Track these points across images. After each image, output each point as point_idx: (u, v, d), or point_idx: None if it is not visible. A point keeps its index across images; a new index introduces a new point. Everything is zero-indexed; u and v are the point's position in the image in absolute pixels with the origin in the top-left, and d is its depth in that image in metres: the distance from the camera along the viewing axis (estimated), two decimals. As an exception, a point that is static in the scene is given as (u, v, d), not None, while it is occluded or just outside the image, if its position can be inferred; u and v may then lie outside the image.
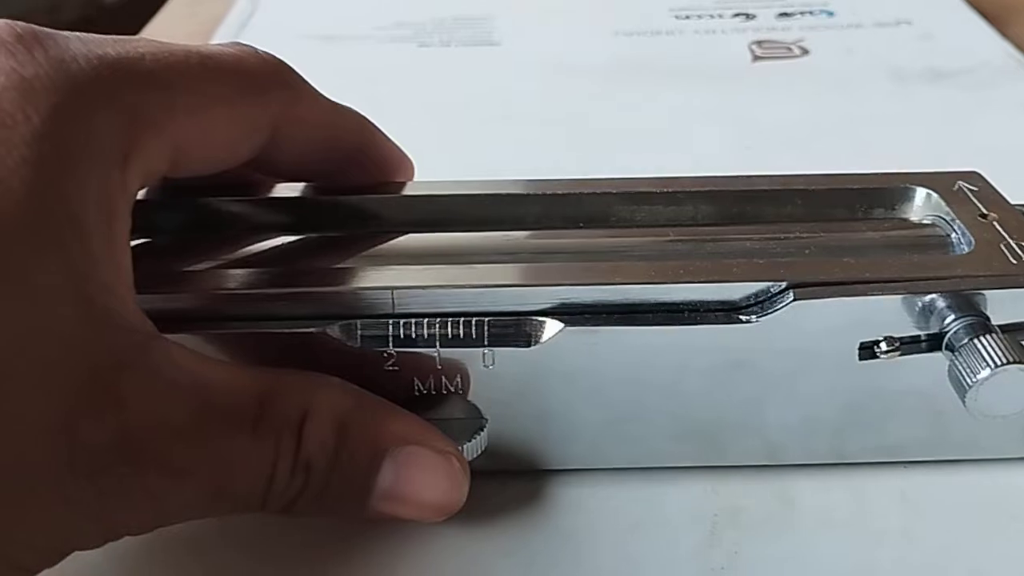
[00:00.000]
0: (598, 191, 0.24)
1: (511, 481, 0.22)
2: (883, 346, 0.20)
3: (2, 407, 0.15)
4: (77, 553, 0.17)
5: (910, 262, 0.21)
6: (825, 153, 0.36)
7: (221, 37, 0.45)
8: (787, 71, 0.44)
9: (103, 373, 0.17)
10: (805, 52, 0.45)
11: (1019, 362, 0.19)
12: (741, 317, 0.20)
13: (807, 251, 0.22)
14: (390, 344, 0.20)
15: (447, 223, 0.24)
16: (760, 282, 0.20)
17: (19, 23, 0.18)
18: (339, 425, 0.19)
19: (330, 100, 0.23)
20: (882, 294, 0.20)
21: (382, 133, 0.25)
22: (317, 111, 0.22)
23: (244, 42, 0.22)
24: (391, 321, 0.20)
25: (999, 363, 0.19)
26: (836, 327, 0.20)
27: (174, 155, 0.19)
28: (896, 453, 0.23)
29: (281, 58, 0.22)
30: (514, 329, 0.21)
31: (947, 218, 0.23)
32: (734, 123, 0.39)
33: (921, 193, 0.23)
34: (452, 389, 0.21)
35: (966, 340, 0.20)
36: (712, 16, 0.49)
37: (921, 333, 0.21)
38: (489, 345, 0.21)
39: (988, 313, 0.20)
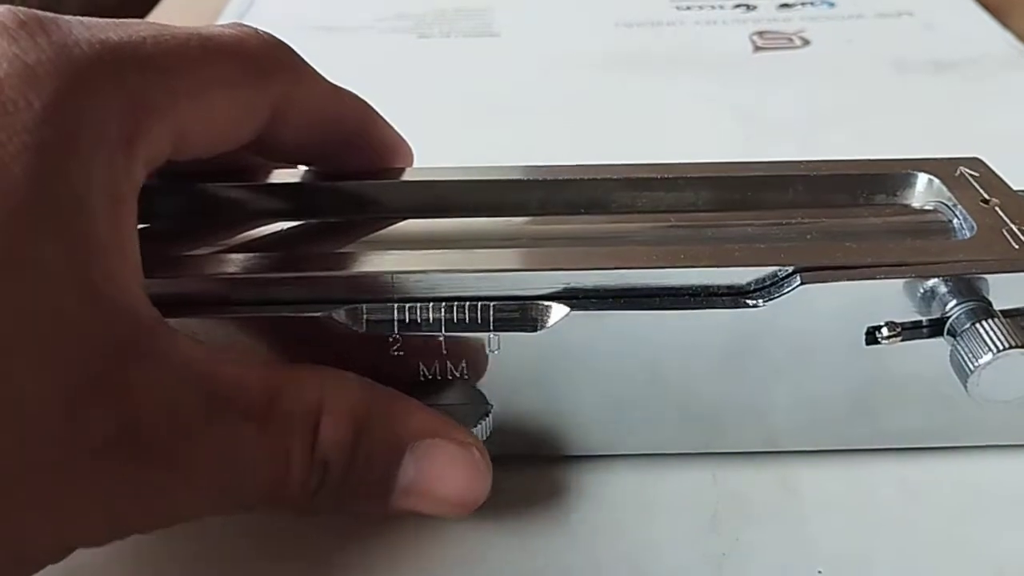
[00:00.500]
0: (599, 177, 0.23)
1: (514, 466, 0.22)
2: (885, 331, 0.20)
3: (3, 395, 0.15)
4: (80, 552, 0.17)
5: (912, 247, 0.21)
6: (826, 143, 0.36)
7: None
8: (788, 62, 0.44)
9: (107, 361, 0.16)
10: (806, 43, 0.45)
11: (1021, 346, 0.19)
12: (748, 301, 0.20)
13: (809, 236, 0.22)
14: (395, 329, 0.20)
15: (448, 209, 0.23)
16: (767, 266, 0.20)
17: (21, 8, 0.18)
18: (356, 421, 0.19)
19: (331, 83, 0.23)
20: (886, 278, 0.20)
21: (382, 118, 0.24)
22: (318, 93, 0.22)
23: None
24: (396, 306, 0.20)
25: (1001, 347, 0.19)
26: (843, 311, 0.20)
27: (178, 139, 0.19)
28: (897, 439, 0.23)
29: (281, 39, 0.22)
30: (520, 313, 0.20)
31: (949, 203, 0.22)
32: (735, 114, 0.39)
33: (923, 179, 0.23)
34: (457, 374, 0.21)
35: (968, 325, 0.20)
36: (713, 7, 0.49)
37: (923, 318, 0.21)
38: (495, 330, 0.20)
39: (990, 298, 0.20)
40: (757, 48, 0.45)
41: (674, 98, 0.41)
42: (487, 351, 0.21)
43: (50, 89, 0.17)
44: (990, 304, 0.20)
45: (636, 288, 0.20)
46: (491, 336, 0.21)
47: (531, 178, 0.24)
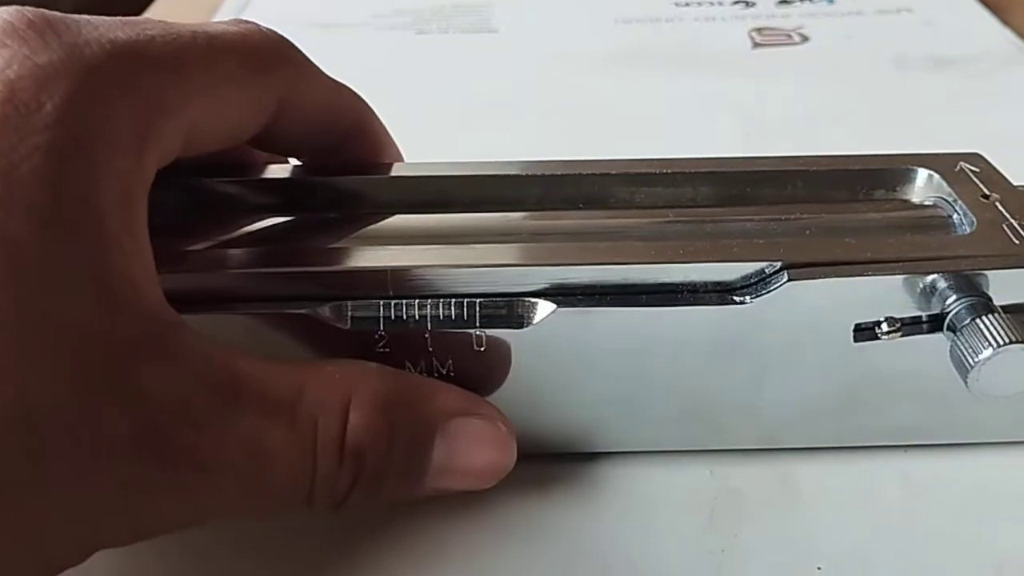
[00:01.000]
0: (597, 172, 0.23)
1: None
2: (884, 327, 0.20)
3: (18, 397, 0.15)
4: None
5: (912, 242, 0.21)
6: (825, 140, 0.36)
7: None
8: (787, 58, 0.44)
9: (123, 360, 0.16)
10: (805, 39, 0.45)
11: (1021, 342, 0.19)
12: (735, 298, 0.20)
13: (808, 232, 0.22)
14: (381, 325, 0.20)
15: (446, 204, 0.23)
16: (755, 262, 0.20)
17: (29, 8, 0.18)
18: (386, 409, 0.19)
19: (330, 78, 0.23)
20: (880, 274, 0.20)
21: (376, 115, 0.24)
22: (319, 88, 0.22)
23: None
24: (382, 302, 0.20)
25: (1001, 343, 0.19)
26: (832, 308, 0.20)
27: (187, 136, 0.19)
28: (895, 436, 0.23)
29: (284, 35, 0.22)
30: (506, 310, 0.20)
31: (949, 199, 0.22)
32: (734, 111, 0.39)
33: (923, 174, 0.23)
34: (444, 371, 0.21)
35: (968, 320, 0.20)
36: (712, 3, 0.49)
37: (922, 314, 0.20)
38: (480, 326, 0.20)
39: (990, 293, 0.20)
40: (756, 44, 0.45)
41: (673, 95, 0.40)
42: (473, 348, 0.21)
43: (61, 90, 0.17)
44: (990, 299, 0.20)
45: (623, 284, 0.20)
46: (477, 333, 0.20)
47: (529, 173, 0.24)
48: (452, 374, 0.21)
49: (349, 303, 0.20)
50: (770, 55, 0.44)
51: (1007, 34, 0.45)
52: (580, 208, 0.23)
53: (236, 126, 0.21)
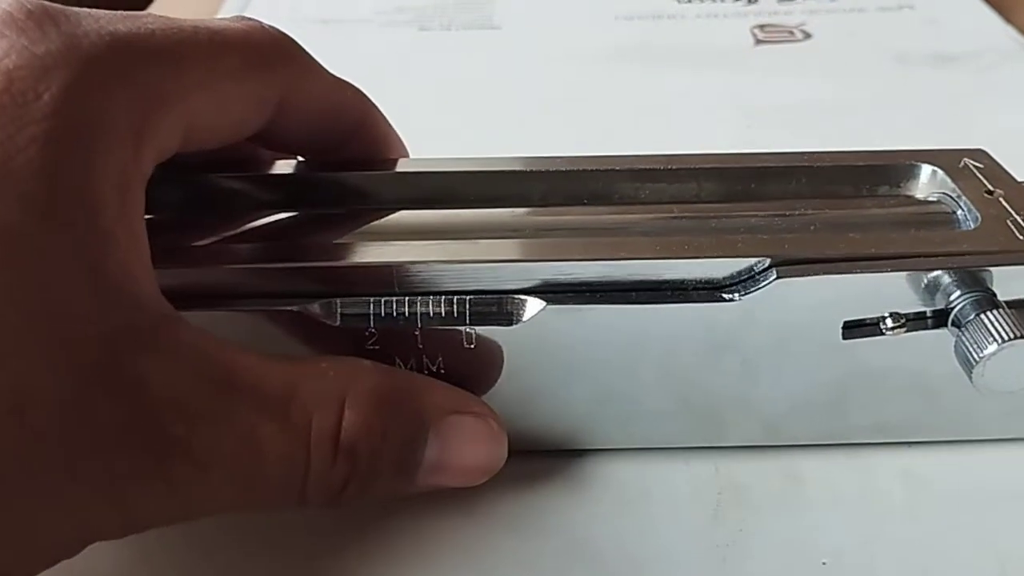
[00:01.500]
0: (602, 168, 0.23)
1: (514, 459, 0.22)
2: (889, 322, 0.20)
3: (10, 388, 0.15)
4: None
5: (916, 238, 0.21)
6: (828, 137, 0.36)
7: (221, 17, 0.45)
8: (790, 55, 0.44)
9: (117, 353, 0.16)
10: (808, 36, 0.45)
11: (1026, 337, 0.19)
12: (724, 295, 0.20)
13: (812, 228, 0.22)
14: (371, 323, 0.20)
15: (450, 200, 0.23)
16: (743, 259, 0.20)
17: (29, 0, 0.17)
18: (380, 406, 0.19)
19: (334, 75, 0.23)
20: (875, 271, 0.20)
21: (380, 111, 0.24)
22: (322, 85, 0.22)
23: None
24: (372, 299, 0.20)
25: (1006, 338, 0.19)
26: (821, 305, 0.20)
27: (186, 131, 0.19)
28: (893, 433, 0.23)
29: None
30: (496, 308, 0.20)
31: (953, 195, 0.22)
32: (736, 107, 0.39)
33: (927, 170, 0.23)
34: (434, 368, 0.21)
35: (973, 316, 0.20)
36: (714, 0, 0.49)
37: (927, 309, 0.20)
38: (471, 324, 0.20)
39: (994, 289, 0.20)
40: (758, 41, 0.45)
41: (675, 91, 0.40)
42: (464, 345, 0.21)
43: (59, 80, 0.16)
44: (994, 295, 0.20)
45: (612, 282, 0.20)
46: (467, 330, 0.20)
47: (533, 169, 0.24)
48: (443, 371, 0.21)
49: (339, 300, 0.20)
50: (772, 52, 0.44)
51: (1009, 31, 0.45)
52: (584, 204, 0.23)
53: (237, 122, 0.21)
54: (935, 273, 0.20)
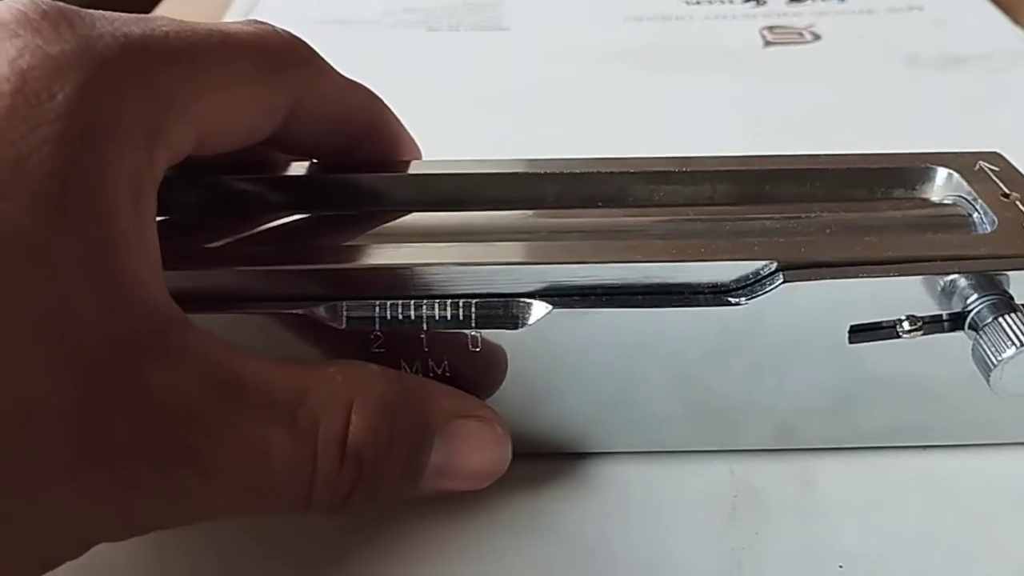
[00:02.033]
0: (616, 170, 0.23)
1: (530, 460, 0.22)
2: (906, 325, 0.20)
3: (14, 390, 0.15)
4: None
5: (932, 241, 0.21)
6: (838, 139, 0.36)
7: (230, 19, 0.45)
8: (799, 57, 0.43)
9: (125, 359, 0.16)
10: (817, 38, 0.45)
11: (1044, 341, 0.19)
12: (730, 299, 0.20)
13: (828, 230, 0.22)
14: (377, 325, 0.20)
15: (463, 202, 0.23)
16: (749, 263, 0.20)
17: (43, 0, 0.17)
18: (387, 411, 0.19)
19: (346, 77, 0.23)
20: (888, 275, 0.20)
21: (392, 113, 0.24)
22: (334, 88, 0.22)
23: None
24: (377, 303, 0.20)
25: (1024, 342, 0.19)
26: (828, 309, 0.20)
27: (199, 134, 0.19)
28: (906, 438, 0.23)
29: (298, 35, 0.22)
30: (501, 311, 0.20)
31: (969, 198, 0.22)
32: (745, 109, 0.39)
33: (942, 173, 0.23)
34: (440, 371, 0.21)
35: (990, 319, 0.19)
36: (723, 1, 0.49)
37: (943, 312, 0.20)
38: (476, 327, 0.20)
39: (1011, 292, 0.20)
40: (767, 43, 0.45)
41: (683, 93, 0.40)
42: (469, 348, 0.21)
43: (73, 81, 0.16)
44: (1011, 298, 0.20)
45: (617, 285, 0.20)
46: (473, 334, 0.20)
47: (547, 171, 0.23)
48: (448, 374, 0.21)
49: (344, 303, 0.20)
50: (781, 53, 0.44)
51: (1018, 32, 0.44)
52: (598, 206, 0.23)
53: (250, 125, 0.21)
54: (952, 276, 0.20)
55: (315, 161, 0.24)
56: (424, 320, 0.20)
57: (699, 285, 0.20)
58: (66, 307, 0.16)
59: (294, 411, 0.18)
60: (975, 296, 0.20)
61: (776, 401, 0.22)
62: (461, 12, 0.48)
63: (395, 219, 0.23)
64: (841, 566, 0.20)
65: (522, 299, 0.20)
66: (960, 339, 0.20)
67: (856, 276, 0.20)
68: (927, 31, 0.45)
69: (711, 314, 0.20)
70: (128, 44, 0.18)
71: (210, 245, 0.22)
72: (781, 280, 0.20)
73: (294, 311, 0.20)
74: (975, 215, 0.22)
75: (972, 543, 0.21)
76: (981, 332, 0.20)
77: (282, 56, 0.21)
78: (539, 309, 0.20)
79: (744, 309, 0.20)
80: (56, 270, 0.16)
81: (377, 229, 0.23)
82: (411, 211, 0.23)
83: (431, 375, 0.21)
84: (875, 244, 0.21)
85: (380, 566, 0.21)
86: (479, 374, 0.21)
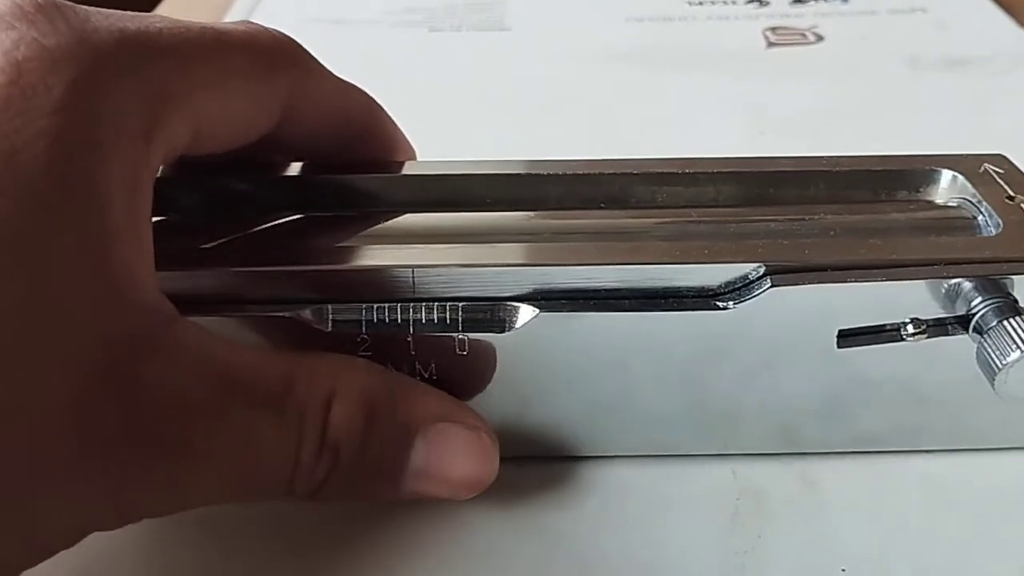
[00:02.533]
0: (619, 171, 0.23)
1: (532, 463, 0.22)
2: (910, 328, 0.20)
3: (13, 387, 0.15)
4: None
5: (937, 244, 0.21)
6: (840, 140, 0.36)
7: (231, 20, 0.45)
8: (801, 58, 0.43)
9: (119, 355, 0.16)
10: (819, 39, 0.45)
11: (1050, 344, 0.19)
12: (718, 303, 0.20)
13: (832, 233, 0.22)
14: (363, 328, 0.20)
15: (463, 203, 0.23)
16: (737, 266, 0.20)
17: None
18: (367, 406, 0.19)
19: (339, 78, 0.23)
20: (858, 281, 0.20)
21: (387, 113, 0.24)
22: (327, 88, 0.22)
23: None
24: (364, 306, 0.20)
25: (1030, 346, 0.19)
26: (816, 313, 0.20)
27: (195, 131, 0.19)
28: (906, 442, 0.23)
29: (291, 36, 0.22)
30: (488, 314, 0.20)
31: (973, 200, 0.22)
32: (748, 110, 0.39)
33: (946, 175, 0.23)
34: (427, 375, 0.21)
35: (995, 322, 0.19)
36: (725, 2, 0.49)
37: (947, 316, 0.20)
38: (463, 331, 0.20)
39: (1016, 295, 0.20)
40: (770, 44, 0.45)
41: (686, 94, 0.40)
42: (456, 352, 0.20)
43: (69, 74, 0.16)
44: (1016, 301, 0.20)
45: (604, 289, 0.20)
46: (460, 337, 0.20)
47: (549, 172, 0.23)
48: (435, 377, 0.21)
49: (330, 307, 0.20)
50: (784, 54, 0.44)
51: (1021, 34, 0.44)
52: (600, 208, 0.23)
53: (245, 123, 0.21)
54: (956, 279, 0.20)
55: (309, 163, 0.24)
56: (411, 323, 0.20)
57: (687, 289, 0.20)
58: (62, 305, 0.16)
59: (282, 400, 0.18)
60: (979, 299, 0.20)
61: (767, 405, 0.21)
62: (463, 12, 0.48)
63: (392, 220, 0.23)
64: (844, 569, 0.20)
65: (509, 303, 0.20)
66: (962, 342, 0.20)
67: (845, 280, 0.20)
68: (930, 33, 0.45)
69: (698, 318, 0.20)
70: (123, 38, 0.18)
71: (204, 246, 0.22)
72: (769, 284, 0.20)
73: (281, 314, 0.20)
74: (980, 217, 0.22)
75: (974, 545, 0.21)
76: (985, 336, 0.19)
77: (275, 54, 0.21)
78: (526, 313, 0.20)
79: (731, 313, 0.20)
80: (52, 268, 0.16)
81: (372, 230, 0.22)
82: (409, 212, 0.23)
83: (418, 378, 0.21)
84: (879, 247, 0.20)
85: (377, 569, 0.21)
86: (466, 378, 0.21)
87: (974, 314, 0.20)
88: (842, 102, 0.39)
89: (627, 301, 0.20)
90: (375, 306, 0.20)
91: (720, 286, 0.20)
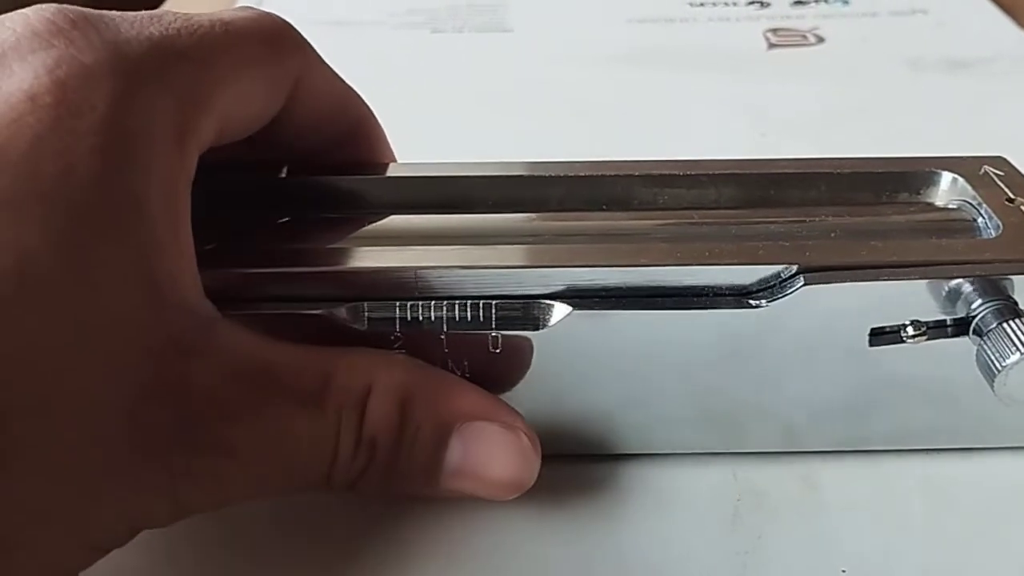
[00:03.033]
0: (621, 173, 0.23)
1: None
2: (910, 330, 0.20)
3: (73, 396, 0.16)
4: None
5: (937, 246, 0.21)
6: (841, 142, 0.36)
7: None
8: (802, 59, 0.43)
9: (168, 361, 0.17)
10: (820, 40, 0.45)
11: (1049, 346, 0.19)
12: (751, 302, 0.20)
13: (832, 235, 0.22)
14: (397, 326, 0.20)
15: (468, 204, 0.23)
16: (771, 266, 0.20)
17: (68, 7, 0.18)
18: (403, 401, 0.19)
19: (335, 72, 0.23)
20: (901, 279, 0.20)
21: (375, 115, 0.25)
22: (327, 76, 0.23)
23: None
24: (398, 303, 0.20)
25: (1029, 348, 0.19)
26: (848, 312, 0.20)
27: (219, 129, 0.19)
28: (915, 441, 0.23)
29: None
30: (522, 312, 0.20)
31: (973, 202, 0.22)
32: (749, 111, 0.39)
33: (947, 177, 0.23)
34: (460, 372, 0.21)
35: (994, 325, 0.19)
36: (726, 3, 0.49)
37: (948, 317, 0.20)
38: (496, 328, 0.20)
39: (1016, 297, 0.20)
40: (771, 45, 0.45)
41: (687, 95, 0.40)
42: (489, 349, 0.21)
43: (108, 90, 0.17)
44: (1016, 303, 0.20)
45: (638, 287, 0.20)
46: (493, 335, 0.20)
47: (551, 174, 0.23)
48: (468, 375, 0.21)
49: (366, 304, 0.20)
50: (785, 56, 0.44)
51: (1022, 36, 0.44)
52: (603, 209, 0.23)
53: (261, 108, 0.21)
54: (956, 281, 0.20)
55: (300, 165, 0.24)
56: (444, 321, 0.20)
57: (720, 287, 0.20)
58: (113, 316, 0.16)
59: (320, 397, 0.18)
60: (980, 301, 0.20)
61: (791, 404, 0.22)
62: (465, 14, 0.48)
63: (400, 221, 0.23)
64: (844, 570, 0.20)
65: (543, 300, 0.20)
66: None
67: (876, 279, 0.20)
68: (931, 34, 0.45)
69: (732, 316, 0.20)
70: (152, 47, 0.18)
71: (207, 247, 0.22)
72: (802, 283, 0.20)
73: (315, 311, 0.20)
74: (980, 220, 0.22)
75: (976, 546, 0.21)
76: (985, 338, 0.20)
77: (280, 38, 0.21)
78: (560, 311, 0.20)
79: (764, 311, 0.20)
80: (102, 282, 0.16)
81: (384, 231, 0.23)
82: (416, 213, 0.23)
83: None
84: (880, 248, 0.21)
85: (377, 568, 0.21)
86: (498, 376, 0.21)
87: (974, 316, 0.20)
88: (843, 103, 0.39)
89: (660, 299, 0.20)
90: (408, 304, 0.20)
91: (753, 284, 0.20)
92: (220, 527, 0.21)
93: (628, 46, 0.45)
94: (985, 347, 0.20)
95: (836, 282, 0.20)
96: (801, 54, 0.44)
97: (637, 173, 0.23)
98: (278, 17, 0.21)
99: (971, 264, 0.20)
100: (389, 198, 0.23)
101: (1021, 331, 0.19)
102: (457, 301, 0.20)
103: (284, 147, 0.24)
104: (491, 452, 0.20)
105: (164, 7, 0.49)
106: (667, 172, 0.23)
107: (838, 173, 0.23)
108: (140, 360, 0.16)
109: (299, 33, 0.22)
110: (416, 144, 0.26)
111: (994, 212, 0.22)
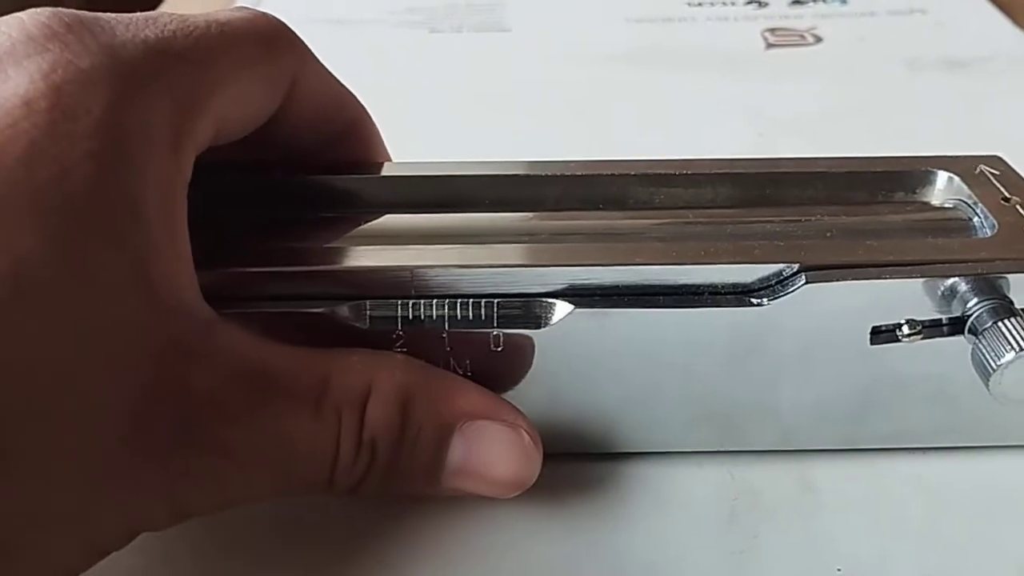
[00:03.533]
0: (617, 172, 0.23)
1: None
2: (905, 329, 0.20)
3: (72, 400, 0.16)
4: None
5: (933, 245, 0.21)
6: (839, 141, 0.36)
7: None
8: (800, 59, 0.44)
9: (168, 364, 0.17)
10: (818, 40, 0.45)
11: (1044, 345, 0.19)
12: (752, 300, 0.20)
13: (828, 234, 0.22)
14: (399, 325, 0.20)
15: (465, 203, 0.23)
16: (772, 264, 0.20)
17: (63, 11, 0.18)
18: (403, 401, 0.19)
19: (330, 71, 0.23)
20: (898, 277, 0.20)
21: (369, 112, 0.25)
22: (322, 75, 0.23)
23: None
24: (400, 302, 0.20)
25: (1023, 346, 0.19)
26: (849, 310, 0.20)
27: (216, 130, 0.19)
28: (913, 439, 0.23)
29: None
30: (523, 311, 0.20)
31: (969, 201, 0.22)
32: (747, 111, 0.39)
33: (943, 176, 0.23)
34: (462, 371, 0.21)
35: (989, 324, 0.20)
36: (725, 3, 0.49)
37: (943, 316, 0.20)
38: (498, 327, 0.20)
39: (1011, 296, 0.20)
40: (769, 45, 0.45)
41: (685, 95, 0.40)
42: (491, 348, 0.21)
43: (104, 94, 0.17)
44: (1011, 303, 0.20)
45: (640, 286, 0.20)
46: (495, 333, 0.20)
47: (547, 173, 0.24)
48: (470, 374, 0.21)
49: (368, 302, 0.20)
50: (783, 55, 0.44)
51: (1019, 35, 0.45)
52: (599, 209, 0.23)
53: (257, 109, 0.21)
54: (951, 280, 0.20)
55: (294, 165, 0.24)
56: (446, 320, 0.20)
57: (721, 286, 0.20)
58: (111, 319, 0.16)
59: (318, 400, 0.18)
60: (975, 300, 0.20)
61: (790, 402, 0.22)
62: (463, 13, 0.48)
63: (398, 221, 0.23)
64: (839, 569, 0.20)
65: (544, 299, 0.20)
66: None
67: (878, 278, 0.20)
68: (928, 34, 0.45)
69: (734, 314, 0.20)
70: (148, 50, 0.18)
71: (220, 246, 0.22)
72: (803, 281, 0.20)
73: (316, 309, 0.20)
74: (975, 219, 0.22)
75: (971, 546, 0.21)
76: (980, 337, 0.20)
77: (276, 38, 0.21)
78: (562, 309, 0.20)
79: (766, 310, 0.20)
80: (100, 283, 0.16)
81: (382, 231, 0.23)
82: (413, 212, 0.23)
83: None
84: (876, 248, 0.21)
85: (377, 566, 0.21)
86: (500, 375, 0.21)
87: (970, 315, 0.20)
88: (841, 103, 0.39)
89: (661, 298, 0.20)
90: (411, 302, 0.20)
91: (755, 282, 0.20)
92: (220, 528, 0.21)
93: (626, 46, 0.45)
94: (980, 346, 0.20)
95: (838, 280, 0.20)
96: (799, 54, 0.44)
97: (634, 172, 0.23)
98: (273, 17, 0.21)
99: (967, 263, 0.20)
100: (386, 197, 0.23)
101: (1016, 330, 0.19)
102: (459, 300, 0.20)
103: (280, 147, 0.24)
104: (493, 451, 0.20)
105: (161, 8, 0.49)
106: (664, 172, 0.23)
107: (835, 172, 0.23)
108: (139, 363, 0.16)
109: (294, 33, 0.22)
110: (414, 143, 0.26)
111: (990, 211, 0.22)
